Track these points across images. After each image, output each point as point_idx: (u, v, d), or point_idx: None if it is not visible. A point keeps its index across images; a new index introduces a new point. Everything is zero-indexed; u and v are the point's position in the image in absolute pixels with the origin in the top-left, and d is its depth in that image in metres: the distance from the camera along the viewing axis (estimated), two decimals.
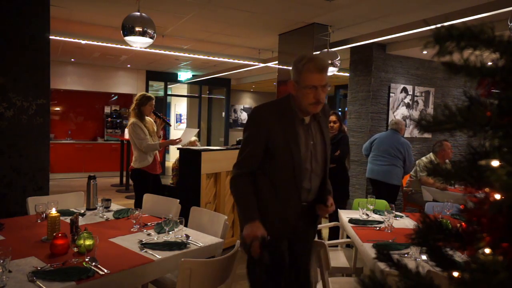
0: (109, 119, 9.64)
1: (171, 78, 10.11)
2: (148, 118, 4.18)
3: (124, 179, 7.92)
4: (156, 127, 4.26)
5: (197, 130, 5.08)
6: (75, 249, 1.79)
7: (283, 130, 1.78)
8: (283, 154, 1.78)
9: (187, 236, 2.16)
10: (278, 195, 1.81)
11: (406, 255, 2.00)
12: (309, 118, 1.84)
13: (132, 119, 4.04)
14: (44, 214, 2.42)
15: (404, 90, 6.29)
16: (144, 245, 2.00)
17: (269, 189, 1.82)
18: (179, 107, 12.15)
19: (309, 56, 1.75)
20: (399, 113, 6.24)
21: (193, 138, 5.01)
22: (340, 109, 10.66)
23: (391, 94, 6.12)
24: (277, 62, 5.96)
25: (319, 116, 1.87)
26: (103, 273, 1.64)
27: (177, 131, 11.27)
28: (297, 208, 1.83)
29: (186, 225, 2.47)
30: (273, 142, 1.77)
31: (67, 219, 2.37)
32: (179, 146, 4.46)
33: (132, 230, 2.30)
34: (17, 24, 3.28)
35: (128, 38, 3.85)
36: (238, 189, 1.83)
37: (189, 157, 4.18)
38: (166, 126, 4.44)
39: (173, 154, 4.65)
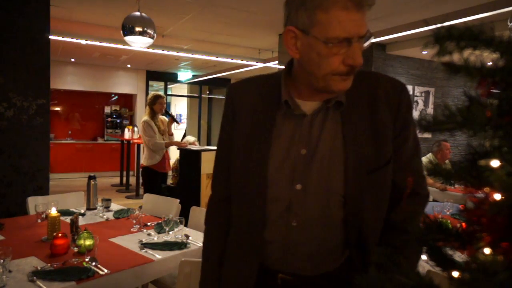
0: (109, 119, 9.63)
1: (171, 78, 10.11)
2: (161, 118, 4.34)
3: (124, 179, 7.92)
4: (167, 126, 4.43)
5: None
6: (75, 249, 1.79)
7: (251, 124, 0.98)
8: (236, 168, 1.00)
9: (187, 236, 2.16)
10: (229, 245, 1.06)
11: None
12: (315, 106, 0.93)
13: (144, 117, 4.24)
14: (44, 214, 2.42)
15: None
16: (144, 245, 2.00)
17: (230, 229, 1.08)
18: (179, 107, 12.15)
19: None
20: None
21: (192, 139, 5.04)
22: None
23: None
24: (277, 62, 5.96)
25: (350, 101, 0.92)
26: (103, 273, 1.64)
27: (176, 131, 11.26)
28: (251, 278, 0.98)
29: (186, 225, 2.47)
30: (234, 143, 1.01)
31: (67, 219, 2.37)
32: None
33: (132, 230, 2.29)
34: (17, 24, 3.27)
35: (128, 38, 3.86)
36: (204, 237, 1.13)
37: (189, 157, 4.19)
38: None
39: (173, 154, 4.65)
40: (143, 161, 4.25)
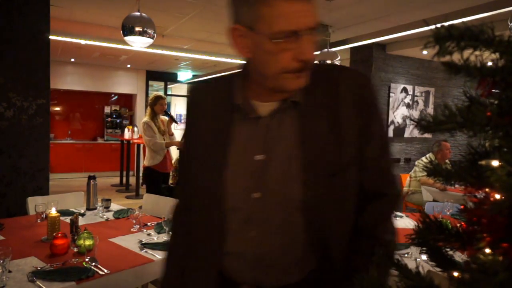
0: (109, 119, 9.63)
1: (171, 78, 10.11)
2: (161, 118, 4.39)
3: (124, 179, 7.93)
4: (167, 126, 4.49)
5: None
6: (75, 249, 1.79)
7: (207, 130, 0.92)
8: (194, 176, 0.96)
9: None
10: (189, 254, 1.02)
11: (406, 255, 2.00)
12: (273, 107, 0.86)
13: (144, 118, 4.29)
14: (44, 214, 2.41)
15: (404, 90, 6.29)
16: (144, 245, 2.00)
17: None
18: (179, 107, 12.15)
19: None
20: (399, 113, 6.24)
21: None
22: None
23: (391, 94, 6.12)
24: None
25: (308, 99, 0.85)
26: (103, 273, 1.63)
27: (177, 131, 11.27)
28: None
29: None
30: (192, 149, 0.97)
31: (67, 219, 2.37)
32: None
33: (132, 230, 2.29)
34: (17, 24, 3.27)
35: (128, 38, 3.85)
36: (169, 244, 1.14)
37: None
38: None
39: (173, 154, 4.68)
40: (145, 161, 4.30)
